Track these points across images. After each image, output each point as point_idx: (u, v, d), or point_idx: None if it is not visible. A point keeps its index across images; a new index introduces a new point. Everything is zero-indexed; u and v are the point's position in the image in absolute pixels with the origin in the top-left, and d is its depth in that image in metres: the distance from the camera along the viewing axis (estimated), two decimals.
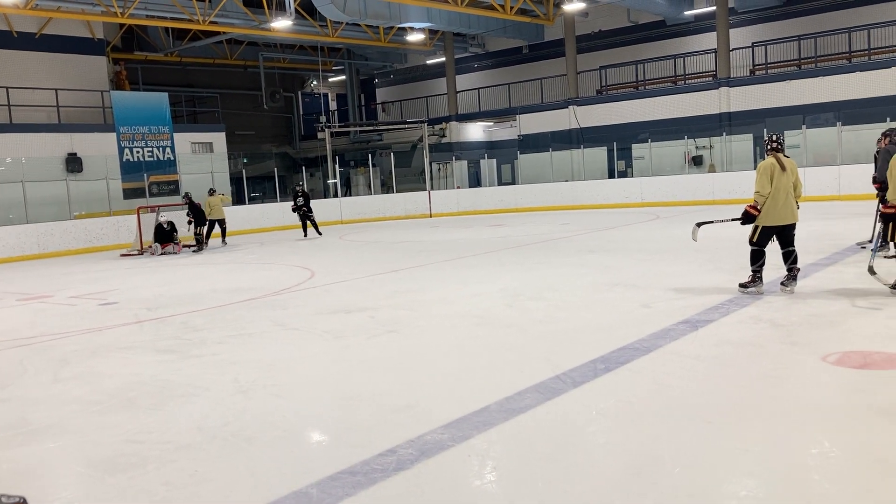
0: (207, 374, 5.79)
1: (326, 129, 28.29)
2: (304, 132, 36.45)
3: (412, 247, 15.23)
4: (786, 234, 7.33)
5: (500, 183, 29.03)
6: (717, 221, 8.93)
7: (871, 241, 8.07)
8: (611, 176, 25.46)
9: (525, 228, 17.79)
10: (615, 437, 4.02)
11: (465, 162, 30.19)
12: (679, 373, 5.07)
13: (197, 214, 17.54)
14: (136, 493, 3.60)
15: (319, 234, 19.21)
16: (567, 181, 25.55)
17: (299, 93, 37.35)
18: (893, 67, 21.77)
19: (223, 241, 18.67)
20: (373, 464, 3.73)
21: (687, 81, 26.48)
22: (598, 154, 25.84)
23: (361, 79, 37.16)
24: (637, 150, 25.27)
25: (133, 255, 17.39)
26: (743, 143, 23.46)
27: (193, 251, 17.25)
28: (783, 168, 7.13)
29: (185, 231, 18.00)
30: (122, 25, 26.55)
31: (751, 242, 7.44)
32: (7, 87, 22.17)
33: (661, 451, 3.72)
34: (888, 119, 19.19)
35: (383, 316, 7.74)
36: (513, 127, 30.30)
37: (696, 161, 24.40)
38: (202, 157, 25.10)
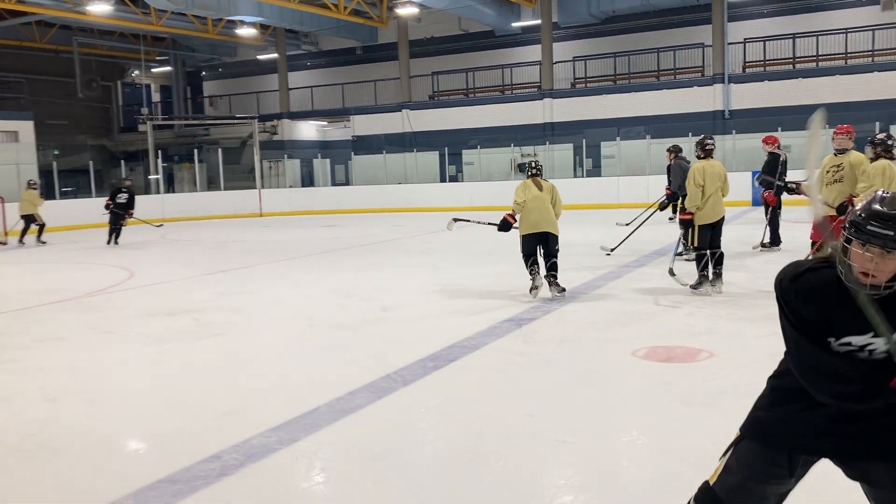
0: (10, 383, 5.32)
1: (148, 122, 26.85)
2: (124, 124, 34.35)
3: (242, 246, 14.78)
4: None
5: (334, 183, 28.81)
6: (474, 221, 9.18)
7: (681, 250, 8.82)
8: (442, 180, 25.98)
9: (358, 230, 17.76)
10: (444, 432, 4.11)
11: (298, 161, 29.69)
12: (504, 368, 5.27)
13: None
14: None
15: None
16: (400, 184, 25.79)
17: (119, 82, 35.15)
18: (695, 87, 23.81)
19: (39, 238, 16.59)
20: (195, 470, 3.58)
21: (514, 91, 27.54)
22: (431, 158, 26.28)
23: (188, 70, 35.52)
24: (467, 155, 25.98)
25: None
26: (564, 152, 24.74)
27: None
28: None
29: None
30: None
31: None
32: None
33: (486, 445, 3.85)
34: (690, 134, 20.90)
35: (209, 318, 7.45)
36: (347, 127, 30.18)
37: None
38: (6, 148, 23.00)
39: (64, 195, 23.82)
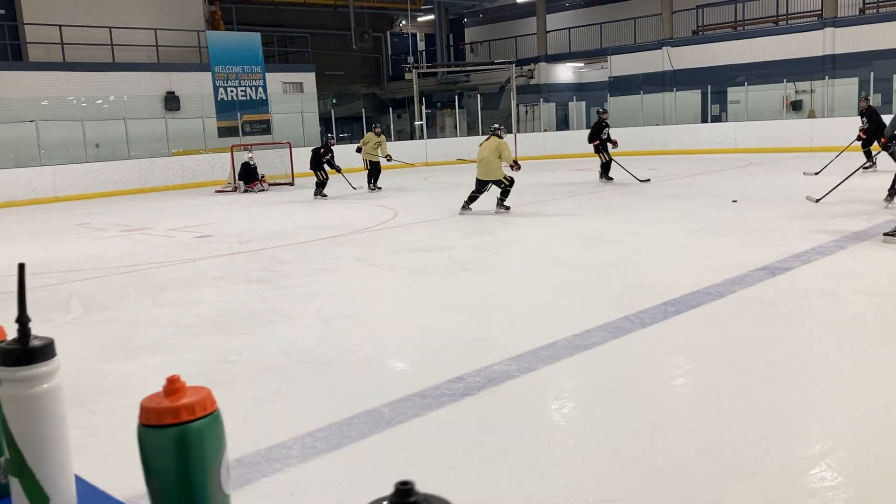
0: (293, 304, 6.14)
1: (414, 70, 28.32)
2: (393, 73, 36.56)
3: (495, 190, 15.31)
4: None
5: (589, 126, 28.54)
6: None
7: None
8: (703, 120, 24.68)
9: (611, 173, 17.55)
10: (677, 375, 4.12)
11: (554, 104, 29.76)
12: (749, 317, 5.09)
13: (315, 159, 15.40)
14: (226, 407, 3.93)
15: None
16: (658, 125, 24.92)
17: (388, 33, 37.34)
18: None
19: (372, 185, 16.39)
20: (442, 388, 3.96)
21: (789, 21, 25.19)
22: (692, 97, 25.04)
23: (450, 18, 36.81)
24: (732, 93, 24.36)
25: (227, 191, 18.12)
26: (847, 88, 22.27)
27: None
28: None
29: (270, 170, 18.50)
30: None
31: None
32: (110, 27, 23.06)
33: (720, 387, 3.81)
34: None
35: (461, 255, 7.94)
36: (603, 69, 29.61)
37: (795, 106, 23.37)
38: (292, 98, 25.62)
39: (340, 141, 26.09)
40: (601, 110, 16.27)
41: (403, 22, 36.71)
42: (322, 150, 15.38)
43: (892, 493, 2.80)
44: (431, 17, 36.27)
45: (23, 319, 0.93)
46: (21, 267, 0.93)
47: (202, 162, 20.82)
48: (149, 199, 17.40)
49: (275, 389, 4.13)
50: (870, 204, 9.69)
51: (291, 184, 18.90)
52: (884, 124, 11.92)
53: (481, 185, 11.37)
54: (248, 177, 17.77)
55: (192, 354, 4.90)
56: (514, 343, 4.69)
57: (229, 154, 18.87)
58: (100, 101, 21.60)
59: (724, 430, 3.35)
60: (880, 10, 23.54)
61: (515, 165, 11.36)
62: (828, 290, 5.68)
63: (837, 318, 4.98)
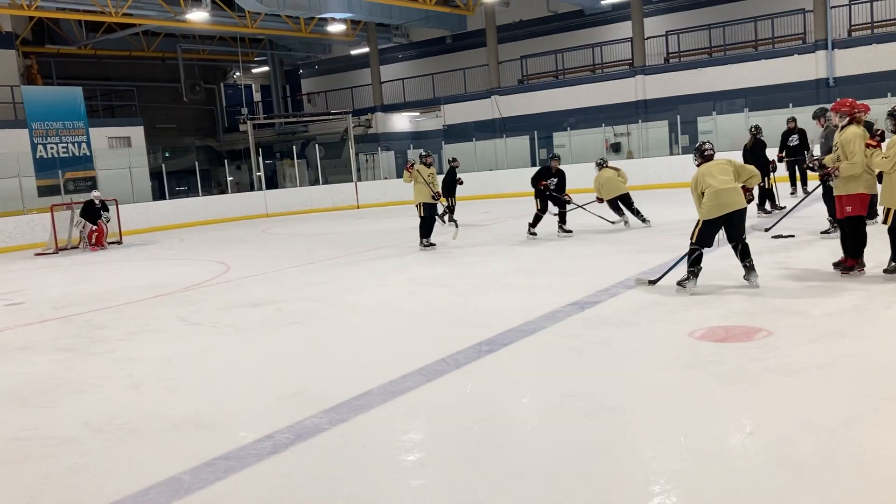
0: (102, 371, 5.83)
1: (249, 121, 28.00)
2: (228, 124, 35.91)
3: (333, 238, 15.32)
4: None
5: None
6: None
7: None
8: (533, 164, 25.87)
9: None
10: (486, 417, 4.27)
11: (392, 152, 30.26)
12: (558, 350, 5.36)
13: None
14: (11, 488, 3.68)
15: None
16: (491, 170, 25.89)
17: (221, 84, 36.75)
18: (795, 55, 22.76)
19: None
20: (248, 449, 3.89)
21: (605, 70, 27.10)
22: (521, 143, 26.24)
23: (286, 69, 36.78)
24: (558, 138, 25.76)
25: (48, 253, 16.99)
26: (659, 130, 24.17)
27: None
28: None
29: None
30: (31, 18, 25.71)
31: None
32: None
33: (520, 414, 3.98)
34: (791, 105, 20.06)
35: (290, 308, 7.86)
36: (438, 117, 30.51)
37: (615, 148, 25.03)
38: (120, 152, 24.55)
39: (174, 195, 25.24)
40: (452, 159, 17.12)
41: (237, 73, 36.29)
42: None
43: None
44: (266, 68, 36.11)
45: None
46: None
47: (20, 224, 19.42)
48: None
49: (69, 465, 3.90)
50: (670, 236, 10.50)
51: (119, 242, 18.02)
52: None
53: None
54: (93, 216, 16.73)
55: None
56: (329, 395, 4.69)
57: (49, 214, 17.74)
58: None
59: (535, 462, 3.49)
60: (682, 59, 25.80)
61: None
62: (628, 321, 6.09)
63: (633, 346, 5.35)
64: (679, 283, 6.91)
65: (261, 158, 26.63)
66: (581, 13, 28.11)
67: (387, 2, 23.93)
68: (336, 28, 27.74)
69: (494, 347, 5.54)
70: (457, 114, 29.11)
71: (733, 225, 6.79)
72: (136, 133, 25.49)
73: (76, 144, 22.21)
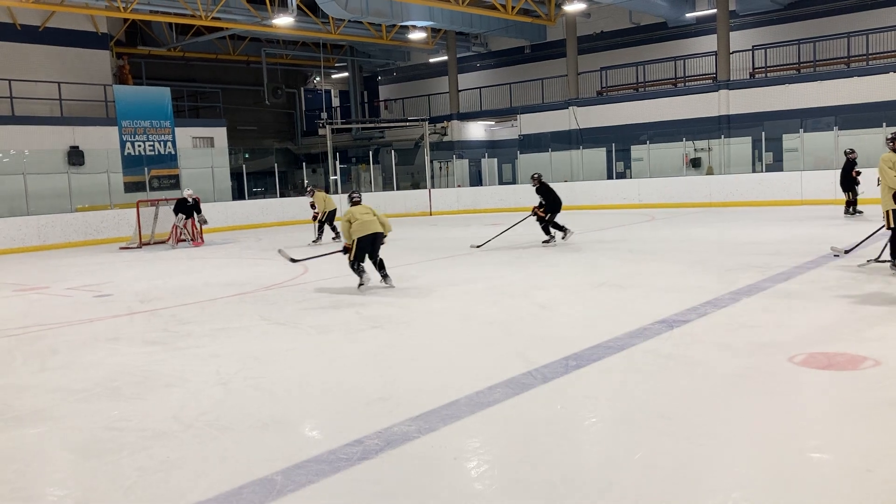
0: (190, 366, 5.92)
1: (328, 126, 28.40)
2: (306, 128, 36.57)
3: (408, 244, 15.34)
4: None
5: (501, 182, 29.12)
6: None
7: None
8: (609, 177, 25.55)
9: (521, 227, 17.88)
10: (576, 433, 4.14)
11: (467, 161, 30.30)
12: (647, 370, 5.19)
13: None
14: (108, 478, 3.74)
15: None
16: (566, 181, 25.63)
17: (302, 89, 37.47)
18: (891, 73, 21.83)
19: None
20: (339, 453, 3.86)
21: (687, 83, 26.57)
22: (597, 155, 25.93)
23: (364, 76, 37.28)
24: (636, 151, 25.35)
25: (132, 248, 17.54)
26: (741, 146, 23.53)
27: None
28: None
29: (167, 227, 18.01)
30: (125, 20, 26.70)
31: None
32: (10, 80, 22.31)
33: (617, 449, 3.84)
34: (884, 124, 19.25)
35: (369, 312, 7.87)
36: (514, 126, 30.41)
37: (695, 163, 24.47)
38: (203, 152, 25.25)
39: (253, 195, 25.78)
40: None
41: (318, 78, 36.95)
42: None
43: None
44: (346, 74, 36.66)
45: None
46: None
47: (107, 218, 20.14)
48: (48, 256, 16.68)
49: (162, 458, 3.94)
50: (763, 255, 10.14)
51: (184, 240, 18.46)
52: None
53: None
54: (188, 211, 17.22)
55: (77, 422, 4.65)
56: (416, 403, 4.64)
57: (135, 210, 18.30)
58: None
59: (625, 487, 3.36)
60: (768, 74, 25.08)
61: None
62: (722, 342, 5.86)
63: (729, 369, 5.13)
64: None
65: (337, 162, 26.98)
66: (664, 25, 27.66)
67: (468, 10, 23.97)
68: (416, 36, 27.96)
69: (581, 363, 5.40)
70: (533, 124, 28.95)
71: None
72: (219, 134, 26.16)
73: (162, 143, 22.93)
